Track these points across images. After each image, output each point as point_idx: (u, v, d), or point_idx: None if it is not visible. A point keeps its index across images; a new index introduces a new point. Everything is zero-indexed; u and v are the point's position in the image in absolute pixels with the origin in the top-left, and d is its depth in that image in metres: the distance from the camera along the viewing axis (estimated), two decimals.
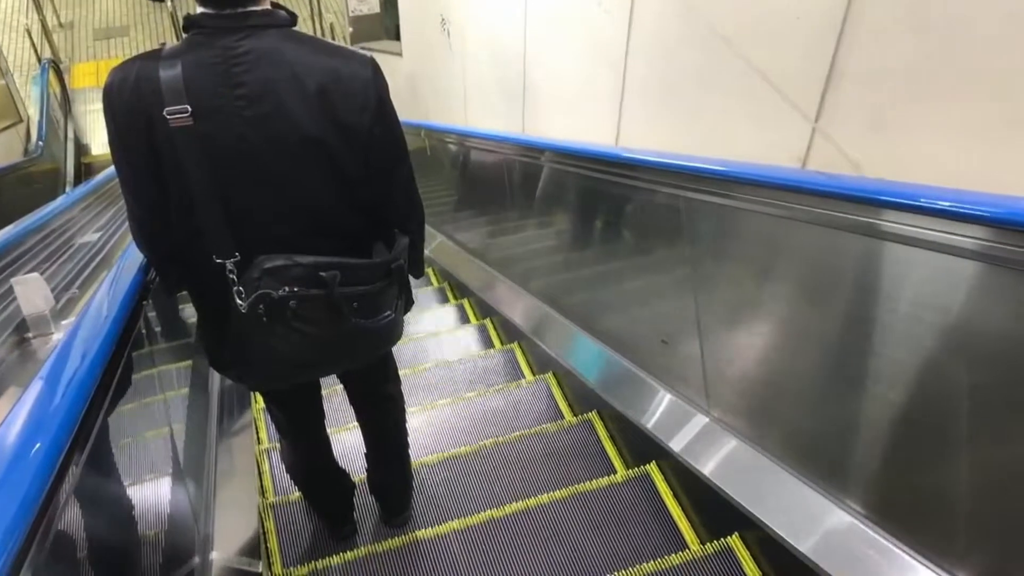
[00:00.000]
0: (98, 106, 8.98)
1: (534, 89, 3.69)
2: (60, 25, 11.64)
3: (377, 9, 7.62)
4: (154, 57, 1.41)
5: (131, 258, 1.77)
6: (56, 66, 8.97)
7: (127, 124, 1.42)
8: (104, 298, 1.49)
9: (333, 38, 9.29)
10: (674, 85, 2.47)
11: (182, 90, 1.38)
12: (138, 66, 1.41)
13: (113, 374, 1.23)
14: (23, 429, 0.89)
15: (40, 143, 7.41)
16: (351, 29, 7.87)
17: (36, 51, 10.24)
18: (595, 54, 2.94)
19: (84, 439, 1.01)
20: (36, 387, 0.99)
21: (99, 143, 9.10)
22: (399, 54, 6.60)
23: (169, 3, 9.14)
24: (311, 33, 9.74)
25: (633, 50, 2.65)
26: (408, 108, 6.54)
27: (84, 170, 8.48)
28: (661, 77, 2.54)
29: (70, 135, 8.75)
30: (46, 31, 10.26)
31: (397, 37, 7.03)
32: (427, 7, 5.41)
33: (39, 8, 10.31)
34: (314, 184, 1.53)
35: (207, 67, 1.40)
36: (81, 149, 9.00)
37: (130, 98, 1.40)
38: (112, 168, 4.08)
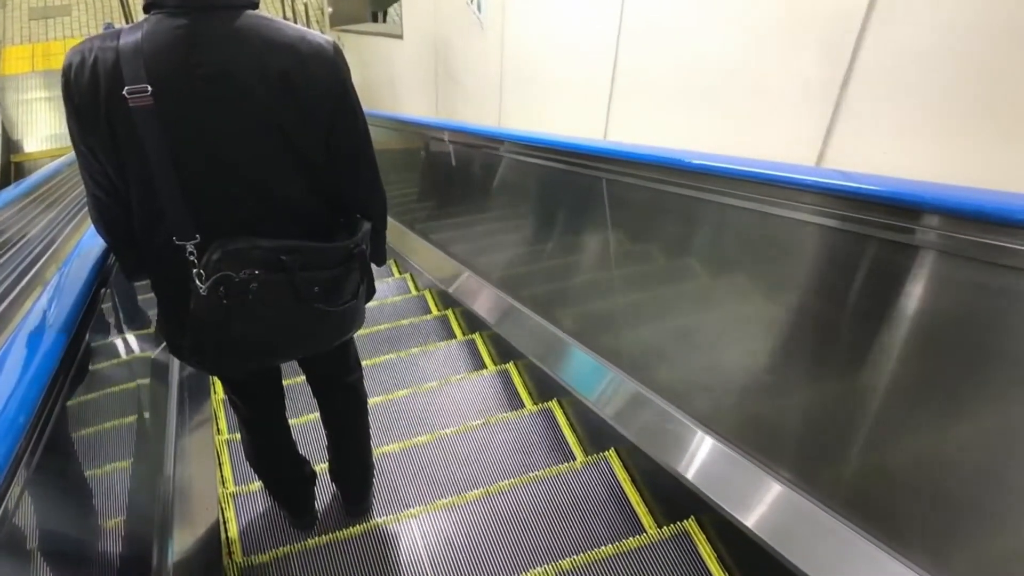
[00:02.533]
0: (32, 96, 8.42)
1: (632, 81, 2.93)
2: None
3: None
4: (113, 37, 1.40)
5: (89, 246, 1.75)
6: None
7: (85, 104, 1.40)
8: (60, 286, 1.48)
9: (308, 17, 8.77)
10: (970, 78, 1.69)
11: (142, 70, 1.37)
12: (97, 45, 1.40)
13: (71, 361, 1.23)
14: None
15: None
16: (331, 10, 7.14)
17: None
18: (793, 27, 2.12)
19: (42, 426, 1.01)
20: None
21: (35, 139, 8.13)
22: (398, 36, 5.62)
23: None
24: (282, 12, 9.29)
25: (884, 18, 1.84)
26: (413, 103, 5.75)
27: (14, 170, 7.52)
28: (942, 66, 1.74)
29: None
30: None
31: (380, 19, 6.42)
32: None
33: None
34: (274, 167, 1.53)
35: (167, 47, 1.39)
36: (10, 146, 7.91)
37: (89, 78, 1.38)
38: (49, 166, 3.69)
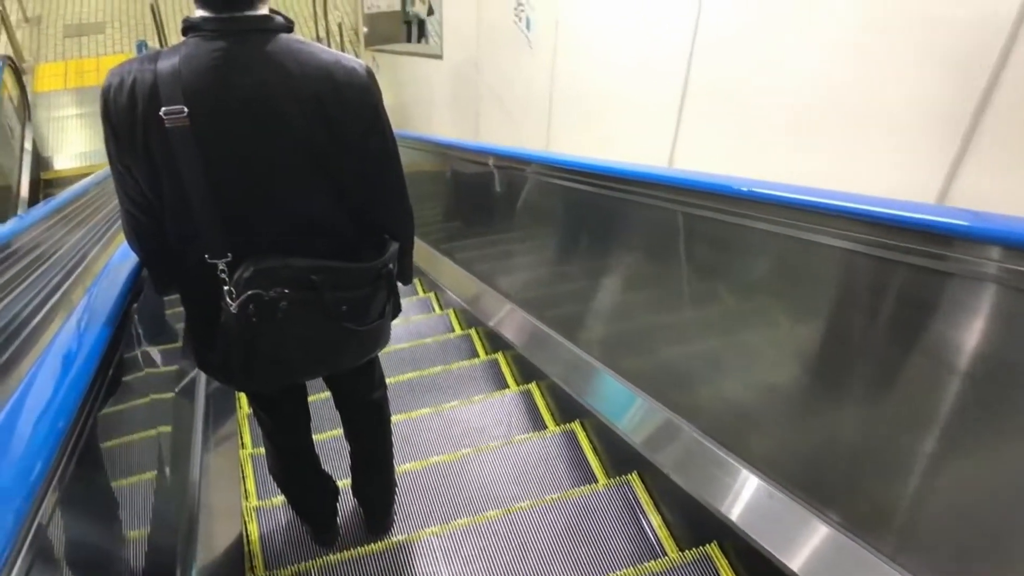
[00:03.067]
0: (64, 113, 8.28)
1: (706, 101, 2.67)
2: (26, 20, 10.26)
3: (397, 6, 6.48)
4: (152, 59, 1.44)
5: (121, 261, 1.79)
6: (13, 65, 7.73)
7: (123, 124, 1.44)
8: (95, 299, 1.52)
9: (341, 37, 8.78)
10: None
11: (179, 91, 1.41)
12: (136, 68, 1.44)
13: (105, 373, 1.25)
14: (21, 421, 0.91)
15: None
16: (365, 29, 6.99)
17: None
18: (915, 42, 1.85)
19: (78, 434, 1.04)
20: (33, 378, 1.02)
21: (65, 156, 7.92)
22: (437, 56, 5.40)
23: None
24: (315, 33, 9.37)
25: None
26: (451, 124, 5.51)
27: (43, 188, 7.35)
28: None
29: (27, 146, 7.41)
30: (6, 25, 8.95)
31: (416, 39, 6.17)
32: None
33: None
34: (307, 188, 1.56)
35: (204, 70, 1.43)
36: (40, 163, 7.67)
37: (127, 99, 1.42)
38: (79, 185, 3.68)
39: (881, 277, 1.54)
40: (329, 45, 8.83)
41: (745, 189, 1.83)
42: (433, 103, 5.93)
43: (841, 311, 1.67)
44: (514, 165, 3.35)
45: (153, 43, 8.15)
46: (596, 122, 3.42)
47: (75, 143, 8.04)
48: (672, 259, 2.23)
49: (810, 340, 1.78)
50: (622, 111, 3.17)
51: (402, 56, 6.49)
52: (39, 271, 2.53)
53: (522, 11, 3.75)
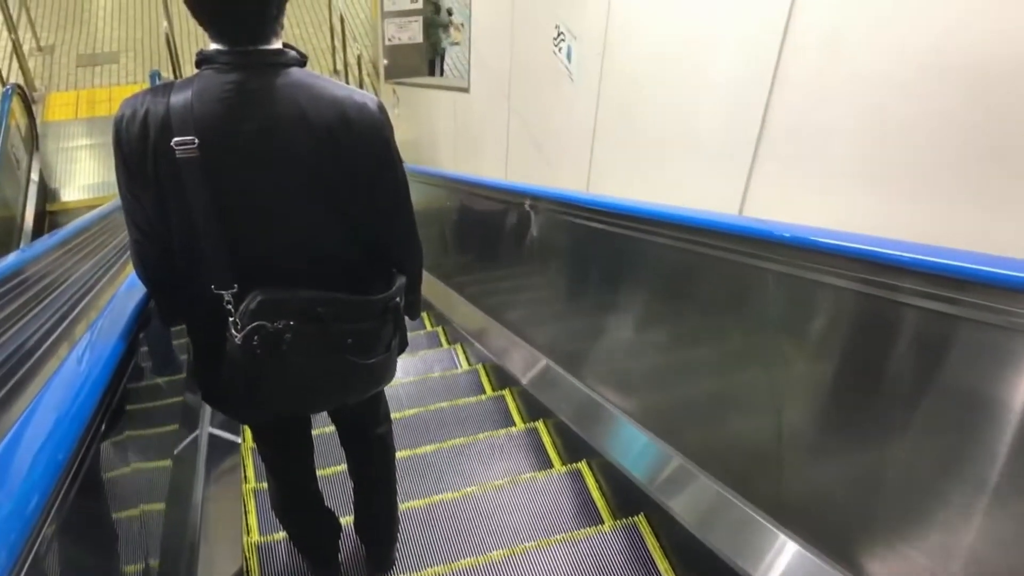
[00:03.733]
0: (74, 144, 8.08)
1: (789, 142, 2.32)
2: (39, 48, 10.03)
3: (419, 38, 6.35)
4: (165, 90, 1.46)
5: (129, 291, 1.79)
6: (23, 93, 7.57)
7: (134, 153, 1.45)
8: (100, 330, 1.51)
9: (360, 70, 8.66)
10: None
11: (191, 123, 1.42)
12: (149, 98, 1.45)
13: (109, 403, 1.24)
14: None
15: None
16: (386, 62, 6.66)
17: (0, 77, 8.76)
18: None
19: (79, 465, 1.02)
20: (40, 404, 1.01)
21: (74, 188, 7.65)
22: (463, 89, 5.11)
23: (166, 24, 7.98)
24: (333, 65, 9.46)
25: None
26: (478, 161, 5.22)
27: (49, 220, 7.09)
28: None
29: (33, 177, 7.21)
30: (18, 54, 8.69)
31: (440, 72, 6.04)
32: (529, 14, 3.89)
33: (12, 27, 8.70)
34: (315, 221, 1.56)
35: (217, 102, 1.44)
36: (47, 195, 7.43)
37: (139, 129, 1.43)
38: (85, 217, 3.62)
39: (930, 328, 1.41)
40: (347, 79, 8.92)
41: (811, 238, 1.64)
42: (457, 138, 5.73)
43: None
44: (561, 208, 2.99)
45: (167, 74, 8.11)
46: (646, 162, 3.13)
47: (84, 174, 7.85)
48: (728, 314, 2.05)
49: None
50: (679, 150, 2.87)
51: (425, 90, 6.33)
52: (43, 303, 2.50)
53: (562, 41, 3.38)
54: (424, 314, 5.00)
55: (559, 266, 3.22)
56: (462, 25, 5.37)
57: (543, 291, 3.45)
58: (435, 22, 6.09)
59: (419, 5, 6.10)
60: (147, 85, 7.69)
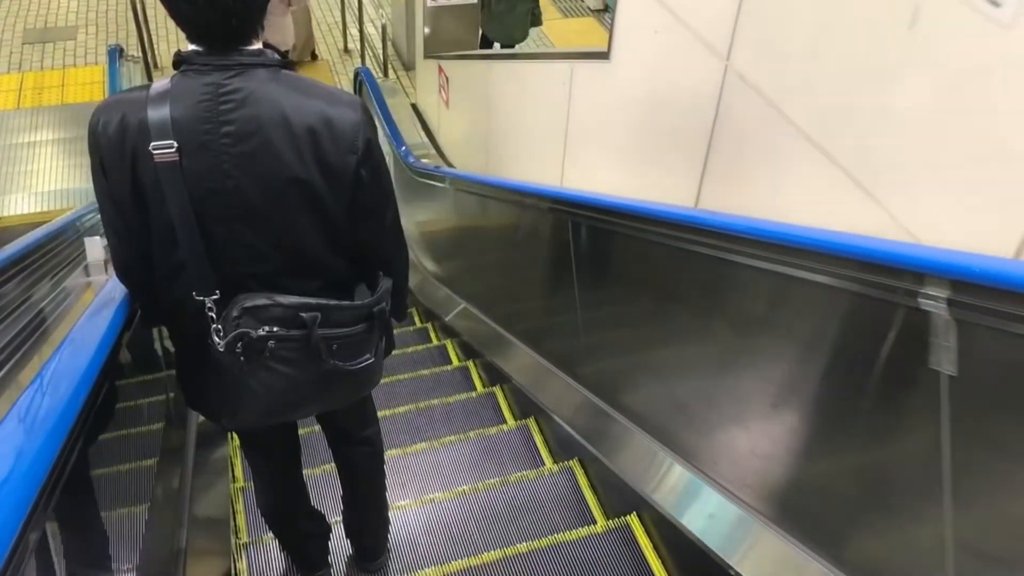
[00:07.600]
0: (17, 140, 6.69)
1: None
2: None
3: None
4: (142, 92, 1.43)
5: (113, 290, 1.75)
6: None
7: (111, 158, 1.43)
8: (87, 328, 1.48)
9: (384, 48, 7.73)
10: None
11: (169, 126, 1.39)
12: (125, 102, 1.43)
13: (95, 401, 1.21)
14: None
15: None
16: (427, 30, 5.21)
17: None
18: None
19: (62, 469, 1.00)
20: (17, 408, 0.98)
21: (16, 197, 5.91)
22: (603, 57, 3.21)
23: None
24: (338, 46, 8.71)
25: None
26: (617, 172, 3.29)
27: None
28: None
29: None
30: None
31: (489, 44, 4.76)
32: None
33: None
34: (297, 224, 1.53)
35: (195, 104, 1.41)
36: None
37: (116, 133, 1.41)
38: (34, 234, 3.31)
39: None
40: (363, 58, 8.15)
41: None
42: (570, 137, 3.79)
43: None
44: None
45: (131, 50, 7.29)
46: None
47: (30, 179, 6.13)
48: None
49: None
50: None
51: (502, 68, 4.65)
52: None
53: None
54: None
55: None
56: None
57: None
58: None
59: None
60: (106, 65, 6.75)
